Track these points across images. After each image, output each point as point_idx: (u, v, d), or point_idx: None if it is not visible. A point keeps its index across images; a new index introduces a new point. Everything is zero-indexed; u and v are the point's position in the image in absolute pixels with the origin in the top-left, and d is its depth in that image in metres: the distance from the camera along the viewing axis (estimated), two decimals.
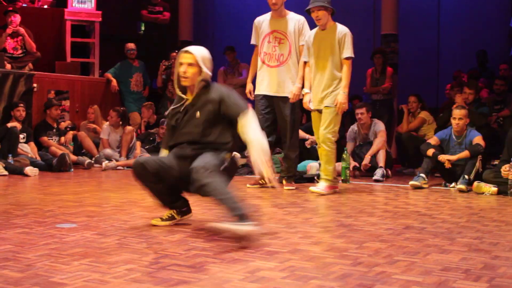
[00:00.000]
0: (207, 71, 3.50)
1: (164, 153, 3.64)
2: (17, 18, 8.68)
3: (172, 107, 3.64)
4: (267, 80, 5.81)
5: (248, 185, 5.89)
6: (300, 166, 6.85)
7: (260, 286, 2.28)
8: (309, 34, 5.58)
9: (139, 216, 3.93)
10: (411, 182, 6.04)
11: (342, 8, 10.72)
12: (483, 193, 5.53)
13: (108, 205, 4.39)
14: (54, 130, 8.18)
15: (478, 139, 6.09)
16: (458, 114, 6.18)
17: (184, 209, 3.66)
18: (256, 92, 5.89)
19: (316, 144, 5.63)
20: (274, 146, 6.39)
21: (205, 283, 2.30)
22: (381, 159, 7.07)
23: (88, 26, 9.93)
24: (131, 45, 9.69)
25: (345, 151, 6.68)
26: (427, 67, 11.33)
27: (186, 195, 3.64)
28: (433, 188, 6.11)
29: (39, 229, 3.37)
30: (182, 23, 11.52)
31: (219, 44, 11.31)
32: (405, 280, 2.39)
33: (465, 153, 6.03)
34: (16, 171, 6.85)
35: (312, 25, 5.70)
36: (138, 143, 8.38)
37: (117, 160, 8.01)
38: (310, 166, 6.70)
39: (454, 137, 6.25)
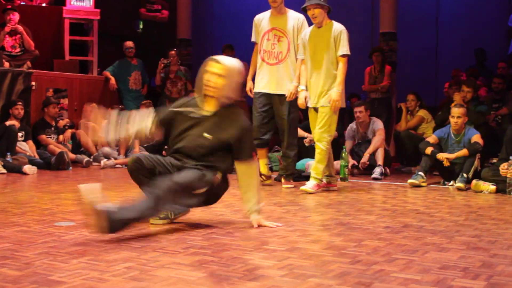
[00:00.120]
0: (233, 88, 3.42)
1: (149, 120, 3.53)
2: (15, 16, 8.67)
3: (185, 106, 3.52)
4: (266, 78, 5.81)
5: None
6: (299, 165, 6.86)
7: (258, 284, 2.28)
8: (305, 32, 5.58)
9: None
10: (410, 181, 6.05)
11: (341, 6, 10.72)
12: (481, 191, 5.54)
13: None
14: (53, 128, 8.17)
15: (476, 138, 6.09)
16: (456, 113, 6.18)
17: (177, 207, 3.60)
18: (255, 90, 5.90)
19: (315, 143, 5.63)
20: (272, 144, 6.39)
21: (203, 281, 2.30)
22: (379, 157, 7.08)
23: (87, 24, 9.92)
24: (129, 43, 9.67)
25: (344, 150, 6.68)
26: (426, 65, 11.33)
27: None
28: (431, 186, 6.12)
29: (37, 227, 3.37)
30: (181, 21, 11.51)
31: (217, 43, 11.30)
32: (404, 278, 2.39)
33: (464, 152, 6.04)
34: (14, 169, 6.84)
35: (310, 24, 5.70)
36: (136, 142, 8.37)
37: (115, 159, 8.01)
38: (309, 164, 6.70)
39: (452, 135, 6.26)
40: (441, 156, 6.11)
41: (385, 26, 10.01)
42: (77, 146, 8.33)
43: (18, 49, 8.78)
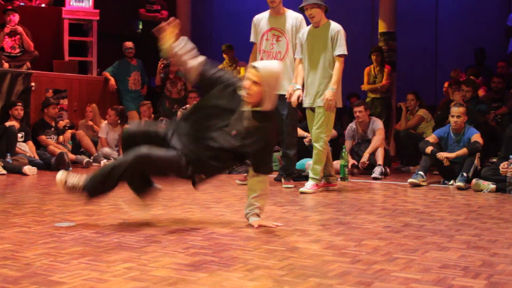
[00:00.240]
0: (270, 95, 3.29)
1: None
2: (15, 17, 8.67)
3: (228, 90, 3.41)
4: None
5: (237, 181, 5.91)
6: (299, 164, 6.86)
7: (259, 284, 2.28)
8: (303, 31, 5.58)
9: (137, 214, 3.92)
10: (410, 180, 6.05)
11: (341, 6, 10.75)
12: (481, 190, 5.54)
13: (107, 204, 4.39)
14: (53, 129, 8.17)
15: (476, 137, 6.10)
16: (456, 112, 6.18)
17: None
18: None
19: None
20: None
21: (204, 282, 2.30)
22: (379, 157, 7.08)
23: (86, 24, 9.91)
24: (129, 44, 9.67)
25: (344, 149, 6.68)
26: (425, 65, 11.33)
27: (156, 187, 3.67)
28: (431, 185, 6.12)
29: (37, 228, 3.37)
30: (180, 21, 11.46)
31: (217, 43, 11.30)
32: (404, 277, 2.39)
33: (464, 151, 6.04)
34: (14, 170, 6.84)
35: (309, 23, 5.69)
36: None
37: (115, 159, 8.00)
38: (309, 164, 6.68)
39: (452, 134, 6.26)
40: (441, 155, 6.11)
41: (385, 25, 10.01)
42: (77, 146, 8.33)
43: (17, 50, 8.78)
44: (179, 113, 7.69)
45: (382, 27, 10.03)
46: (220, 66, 9.61)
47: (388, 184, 6.30)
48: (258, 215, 3.51)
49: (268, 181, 3.54)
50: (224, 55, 9.76)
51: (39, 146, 7.90)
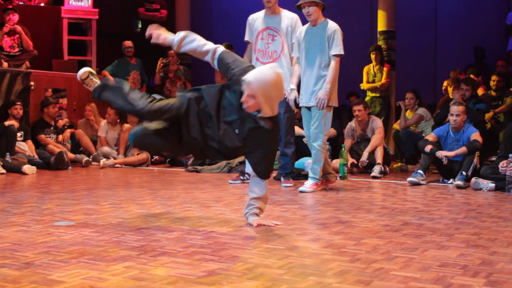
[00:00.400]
0: (270, 104, 3.18)
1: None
2: (15, 17, 8.67)
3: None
4: None
5: (229, 181, 5.93)
6: (298, 163, 6.86)
7: (258, 283, 2.28)
8: (300, 30, 5.58)
9: (137, 214, 3.93)
10: (409, 179, 6.04)
11: (340, 5, 10.75)
12: (481, 189, 5.54)
13: (106, 203, 4.39)
14: (52, 128, 8.17)
15: (475, 136, 6.10)
16: (455, 111, 6.18)
17: None
18: None
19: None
20: None
21: (203, 281, 2.31)
22: (378, 155, 7.08)
23: (85, 24, 9.91)
24: (128, 43, 9.66)
25: (343, 148, 6.68)
26: (425, 64, 11.33)
27: None
28: (431, 184, 6.12)
29: (37, 227, 3.37)
30: (179, 20, 11.49)
31: (216, 42, 11.22)
32: (403, 276, 2.39)
33: (463, 150, 6.04)
34: (14, 169, 6.84)
35: (304, 22, 5.70)
36: None
37: (115, 158, 8.01)
38: (308, 163, 6.69)
39: (451, 133, 6.26)
40: (440, 154, 6.11)
41: (384, 24, 10.01)
42: (76, 145, 8.33)
43: (16, 49, 8.78)
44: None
45: (381, 26, 10.03)
46: None
47: (387, 183, 6.30)
48: (257, 215, 3.51)
49: (267, 183, 3.52)
50: None
51: (38, 145, 7.90)
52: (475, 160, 5.98)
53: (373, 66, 9.05)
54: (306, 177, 6.12)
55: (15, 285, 2.22)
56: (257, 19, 5.95)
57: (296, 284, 2.26)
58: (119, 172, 7.27)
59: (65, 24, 9.57)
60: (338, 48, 5.30)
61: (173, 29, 11.36)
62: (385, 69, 9.01)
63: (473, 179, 5.66)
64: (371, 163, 7.08)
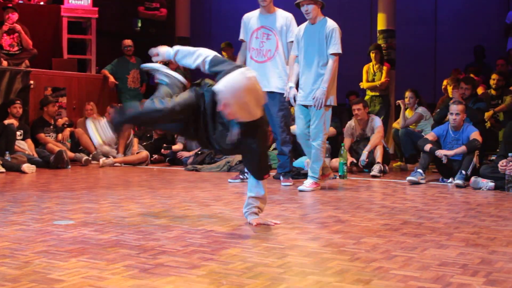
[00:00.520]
0: (246, 109, 3.05)
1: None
2: (14, 16, 8.66)
3: None
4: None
5: (229, 180, 5.93)
6: (298, 162, 6.86)
7: (257, 282, 2.28)
8: (299, 28, 5.57)
9: (136, 212, 3.93)
10: (409, 178, 6.04)
11: (340, 3, 10.75)
12: (480, 188, 5.54)
13: (106, 202, 4.39)
14: (51, 127, 8.17)
15: (475, 135, 6.10)
16: (455, 110, 6.18)
17: None
18: None
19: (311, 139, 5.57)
20: (271, 143, 6.39)
21: (202, 279, 2.31)
22: (378, 155, 7.08)
23: (85, 22, 9.90)
24: (128, 42, 9.66)
25: (343, 147, 6.68)
26: (424, 62, 11.33)
27: None
28: (430, 183, 6.12)
29: (36, 226, 3.37)
30: (179, 19, 11.50)
31: (216, 41, 11.28)
32: (403, 275, 2.39)
33: (462, 149, 6.04)
34: (13, 168, 6.84)
35: (299, 21, 5.71)
36: (135, 140, 8.38)
37: (114, 157, 8.00)
38: (308, 162, 6.69)
39: (451, 132, 6.26)
40: (440, 153, 6.11)
41: (384, 23, 10.00)
42: (75, 144, 8.32)
43: (16, 48, 8.77)
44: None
45: (381, 25, 10.03)
46: None
47: (387, 182, 6.30)
48: (256, 214, 3.51)
49: (263, 184, 3.49)
50: (224, 53, 9.76)
51: (38, 144, 7.89)
52: (475, 159, 5.98)
53: (373, 65, 9.05)
54: (305, 176, 6.13)
55: (14, 284, 2.22)
56: (252, 18, 5.98)
57: (296, 283, 2.27)
58: (119, 171, 7.27)
59: (65, 22, 9.56)
60: (336, 47, 5.29)
61: (173, 28, 11.39)
62: (384, 68, 9.01)
63: (472, 178, 5.67)
64: (371, 162, 7.07)
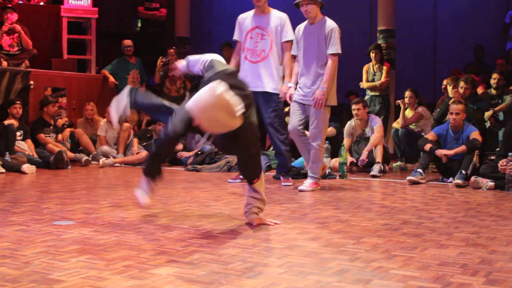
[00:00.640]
0: (220, 124, 3.04)
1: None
2: (13, 16, 8.66)
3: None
4: (250, 76, 5.85)
5: (229, 180, 5.93)
6: (298, 162, 6.86)
7: (257, 282, 2.28)
8: (298, 28, 5.56)
9: (136, 213, 3.93)
10: (409, 178, 6.04)
11: (340, 3, 10.74)
12: (480, 188, 5.54)
13: (106, 202, 4.39)
14: (51, 127, 8.17)
15: (475, 134, 6.10)
16: (455, 109, 6.18)
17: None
18: None
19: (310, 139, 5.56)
20: (270, 143, 6.39)
21: (202, 279, 2.31)
22: (378, 154, 7.08)
23: (85, 23, 9.91)
24: (128, 42, 9.66)
25: (343, 147, 6.68)
26: (424, 62, 11.33)
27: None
28: (430, 183, 6.12)
29: (36, 227, 3.37)
30: (179, 19, 11.50)
31: (216, 41, 11.30)
32: (403, 275, 2.39)
33: (462, 148, 6.04)
34: (13, 168, 6.84)
35: (294, 21, 5.72)
36: (135, 140, 8.38)
37: (114, 157, 8.00)
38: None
39: (451, 132, 6.26)
40: (439, 152, 6.11)
41: (384, 23, 10.01)
42: (75, 145, 8.33)
43: (16, 48, 8.77)
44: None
45: (381, 25, 10.03)
46: None
47: (387, 182, 6.30)
48: (256, 213, 3.51)
49: (258, 185, 3.48)
50: (224, 53, 9.75)
51: (38, 144, 7.89)
52: (475, 158, 5.98)
53: (373, 65, 9.04)
54: (305, 176, 6.13)
55: (14, 284, 2.22)
56: (246, 18, 6.00)
57: (296, 283, 2.27)
58: (119, 171, 7.27)
59: (65, 23, 9.57)
60: (335, 47, 5.28)
61: (172, 28, 11.39)
62: (384, 68, 9.00)
63: (472, 178, 5.67)
64: (371, 162, 7.08)
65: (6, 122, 7.40)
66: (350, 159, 7.17)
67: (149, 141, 8.61)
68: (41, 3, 9.90)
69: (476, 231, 3.37)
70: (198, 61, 3.78)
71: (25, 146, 7.59)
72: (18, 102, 7.73)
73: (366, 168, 7.12)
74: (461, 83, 7.40)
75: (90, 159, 7.98)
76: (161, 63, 9.69)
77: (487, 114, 7.70)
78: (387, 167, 7.30)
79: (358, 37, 10.85)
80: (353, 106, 7.46)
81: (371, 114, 7.60)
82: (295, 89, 5.52)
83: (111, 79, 9.42)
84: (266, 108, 5.83)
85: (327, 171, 6.38)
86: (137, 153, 8.15)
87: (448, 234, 3.27)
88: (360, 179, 6.50)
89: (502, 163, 5.43)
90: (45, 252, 2.73)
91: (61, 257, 2.64)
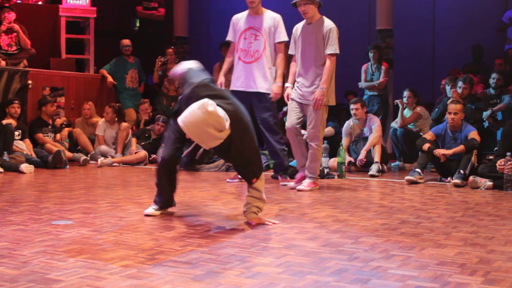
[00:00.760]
0: (207, 138, 3.13)
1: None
2: (10, 15, 8.65)
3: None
4: (243, 76, 5.86)
5: (227, 180, 5.94)
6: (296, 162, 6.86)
7: (256, 281, 2.28)
8: (296, 27, 5.56)
9: (134, 212, 3.93)
10: (407, 177, 6.05)
11: (338, 3, 10.74)
12: (478, 187, 5.55)
13: (104, 202, 4.39)
14: (50, 127, 8.16)
15: (473, 134, 6.10)
16: (453, 109, 6.19)
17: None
18: (232, 88, 5.91)
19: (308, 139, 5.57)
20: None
21: (201, 279, 2.31)
22: (376, 154, 7.08)
23: (83, 22, 9.89)
24: (126, 42, 9.65)
25: (341, 147, 6.68)
26: (423, 62, 11.33)
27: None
28: (428, 183, 6.12)
29: (34, 226, 3.37)
30: (177, 19, 11.50)
31: (214, 40, 11.29)
32: (401, 274, 2.39)
33: (461, 148, 6.05)
34: (11, 168, 6.83)
35: (289, 22, 5.71)
36: (133, 140, 8.37)
37: (112, 157, 7.99)
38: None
39: (449, 132, 6.26)
40: (438, 152, 6.12)
41: (382, 22, 10.01)
42: (74, 144, 8.32)
43: (14, 48, 8.76)
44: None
45: (379, 24, 10.03)
46: (218, 64, 9.66)
47: (385, 182, 6.31)
48: (255, 213, 3.52)
49: (257, 186, 3.50)
50: (222, 53, 9.75)
51: (36, 144, 7.89)
52: (473, 158, 5.99)
53: (371, 65, 9.05)
54: None
55: (12, 284, 2.21)
56: (240, 19, 6.03)
57: (294, 283, 2.27)
58: (117, 171, 7.27)
59: (63, 22, 9.55)
60: (333, 47, 5.28)
61: (171, 28, 11.39)
62: (383, 67, 9.00)
63: (470, 178, 5.67)
64: (369, 161, 7.08)
65: (4, 121, 7.39)
66: (348, 158, 7.18)
67: (148, 140, 8.61)
68: (39, 3, 9.89)
69: (474, 231, 3.37)
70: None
71: (23, 146, 7.58)
72: (16, 101, 7.72)
73: (364, 167, 7.13)
74: (460, 83, 7.40)
75: (88, 158, 7.97)
76: (160, 63, 9.69)
77: (485, 114, 7.71)
78: (385, 167, 7.30)
79: (356, 37, 10.85)
80: (352, 106, 7.46)
81: (369, 114, 7.60)
82: (292, 88, 5.52)
83: (110, 78, 9.42)
84: (259, 108, 5.85)
85: (326, 170, 6.38)
86: (135, 153, 8.14)
87: (447, 234, 3.27)
88: (358, 179, 6.51)
89: (500, 162, 5.43)
90: (43, 251, 2.73)
91: (59, 256, 2.64)
